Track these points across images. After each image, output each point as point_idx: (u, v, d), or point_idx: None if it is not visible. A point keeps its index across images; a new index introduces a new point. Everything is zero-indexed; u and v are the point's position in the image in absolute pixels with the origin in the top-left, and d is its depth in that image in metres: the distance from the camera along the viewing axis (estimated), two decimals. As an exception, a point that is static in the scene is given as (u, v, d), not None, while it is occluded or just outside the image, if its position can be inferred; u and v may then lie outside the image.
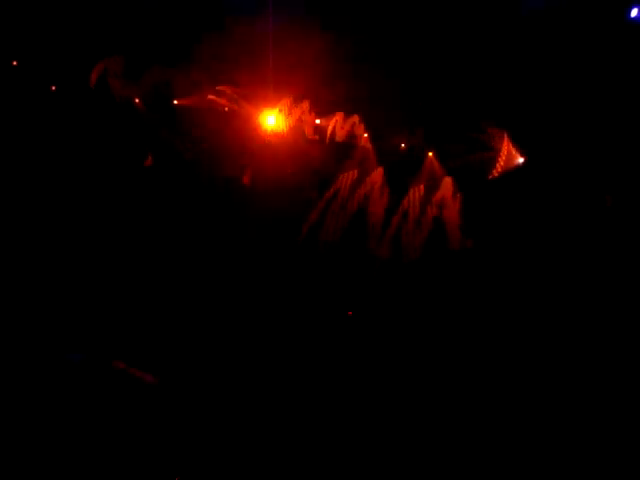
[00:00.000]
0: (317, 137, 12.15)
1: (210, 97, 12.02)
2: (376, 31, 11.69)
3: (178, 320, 10.59)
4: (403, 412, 9.86)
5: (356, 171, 12.02)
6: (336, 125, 12.10)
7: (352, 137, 12.14)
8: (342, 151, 12.06)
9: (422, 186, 12.05)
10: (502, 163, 11.82)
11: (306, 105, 12.12)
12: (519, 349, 10.58)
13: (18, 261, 10.71)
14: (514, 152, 11.82)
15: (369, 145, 12.11)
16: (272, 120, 12.14)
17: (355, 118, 12.09)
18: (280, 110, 12.06)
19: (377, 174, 12.02)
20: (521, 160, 11.83)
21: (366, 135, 12.19)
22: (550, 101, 11.19)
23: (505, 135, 11.75)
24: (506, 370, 10.37)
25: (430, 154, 12.11)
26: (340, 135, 12.11)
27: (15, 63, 11.52)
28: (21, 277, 10.60)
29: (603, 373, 10.01)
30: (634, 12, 10.38)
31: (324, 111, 12.14)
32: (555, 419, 9.57)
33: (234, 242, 11.45)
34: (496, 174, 11.77)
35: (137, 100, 11.96)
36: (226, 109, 12.14)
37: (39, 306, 10.39)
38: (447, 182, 11.98)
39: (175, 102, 12.05)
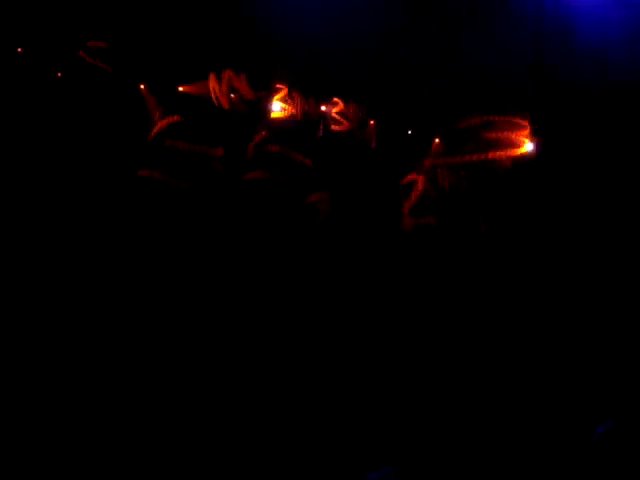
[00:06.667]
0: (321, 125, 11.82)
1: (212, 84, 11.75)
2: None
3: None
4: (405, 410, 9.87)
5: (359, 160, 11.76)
6: (338, 111, 11.81)
7: (356, 125, 11.84)
8: (346, 140, 11.79)
9: (427, 172, 11.83)
10: (514, 150, 11.62)
11: (296, 94, 11.71)
12: (524, 344, 10.51)
13: None
14: (526, 140, 11.62)
15: (373, 132, 11.85)
16: (276, 106, 11.87)
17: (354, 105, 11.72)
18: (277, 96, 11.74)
19: (377, 163, 11.75)
20: (532, 148, 11.61)
21: (372, 122, 11.95)
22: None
23: (517, 122, 11.54)
24: (509, 364, 10.31)
25: (437, 140, 11.89)
26: (345, 122, 11.82)
27: (20, 50, 11.49)
28: None
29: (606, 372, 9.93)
30: None
31: (324, 96, 11.75)
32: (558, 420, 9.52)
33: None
34: (507, 162, 11.58)
35: (142, 86, 11.85)
36: (232, 96, 11.89)
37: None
38: (452, 168, 11.77)
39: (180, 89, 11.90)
